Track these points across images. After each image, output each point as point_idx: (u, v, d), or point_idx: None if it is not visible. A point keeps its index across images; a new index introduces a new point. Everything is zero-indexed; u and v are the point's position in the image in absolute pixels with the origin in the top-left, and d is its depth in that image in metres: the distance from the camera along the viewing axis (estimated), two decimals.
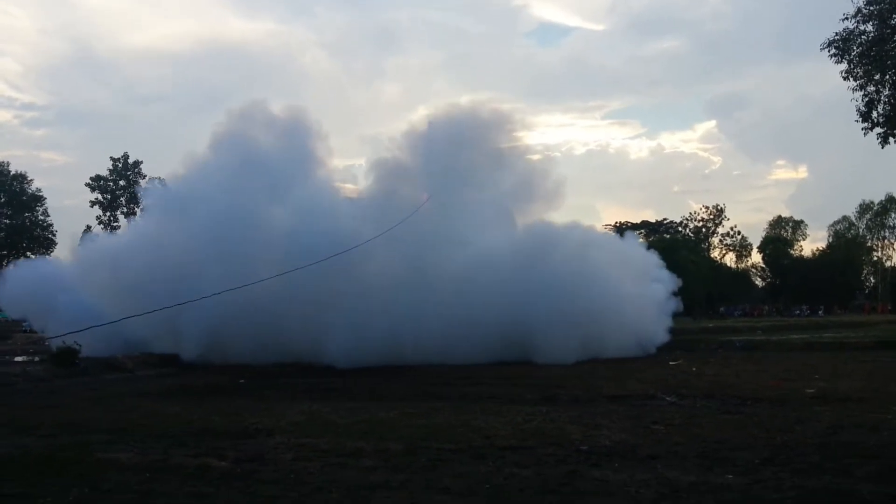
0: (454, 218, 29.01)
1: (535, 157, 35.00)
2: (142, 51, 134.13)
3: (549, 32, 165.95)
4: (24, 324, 41.85)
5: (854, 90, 25.93)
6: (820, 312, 76.98)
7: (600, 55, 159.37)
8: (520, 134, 33.93)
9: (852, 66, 25.72)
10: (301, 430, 12.76)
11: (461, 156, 30.59)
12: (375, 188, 30.93)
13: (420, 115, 35.86)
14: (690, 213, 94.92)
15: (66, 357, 24.94)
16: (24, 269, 38.85)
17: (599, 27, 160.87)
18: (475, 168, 31.02)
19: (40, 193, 77.58)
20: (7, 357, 30.06)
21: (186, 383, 21.99)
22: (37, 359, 27.92)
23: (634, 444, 11.15)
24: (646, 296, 32.28)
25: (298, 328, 26.08)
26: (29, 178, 77.54)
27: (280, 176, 29.46)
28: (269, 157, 30.24)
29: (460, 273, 27.75)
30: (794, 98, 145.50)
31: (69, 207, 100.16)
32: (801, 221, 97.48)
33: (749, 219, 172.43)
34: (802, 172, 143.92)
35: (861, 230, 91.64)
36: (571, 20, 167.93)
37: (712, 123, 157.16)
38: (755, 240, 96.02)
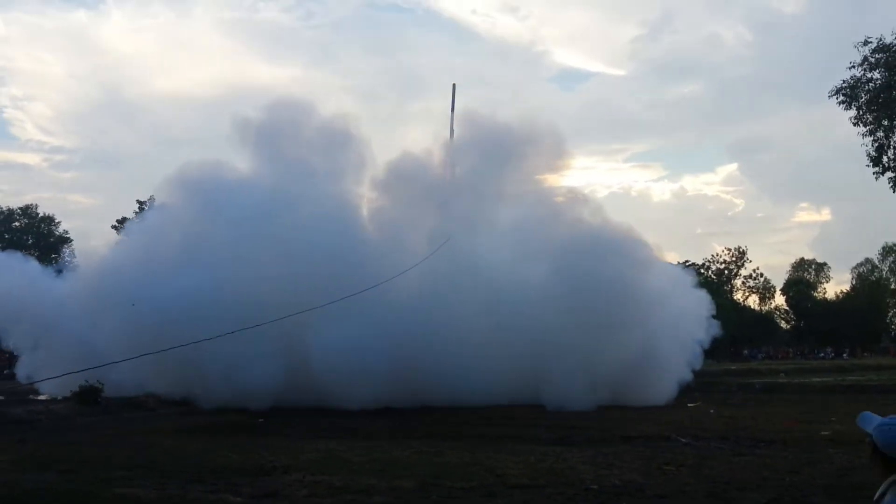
0: (478, 245, 27.98)
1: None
2: (170, 95, 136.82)
3: (571, 77, 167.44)
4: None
5: (864, 135, 26.17)
6: (844, 355, 76.08)
7: (622, 99, 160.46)
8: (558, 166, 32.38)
9: (861, 113, 25.98)
10: (316, 468, 12.97)
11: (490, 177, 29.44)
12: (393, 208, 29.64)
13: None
14: (712, 255, 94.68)
15: (89, 395, 25.36)
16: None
17: (620, 72, 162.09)
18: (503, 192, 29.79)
19: (67, 235, 79.01)
20: (30, 395, 30.52)
21: (206, 422, 22.26)
22: (59, 397, 28.32)
23: (644, 483, 11.26)
24: (685, 341, 30.39)
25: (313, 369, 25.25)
26: (56, 221, 79.07)
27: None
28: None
29: (483, 308, 26.54)
30: (815, 140, 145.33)
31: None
32: (825, 264, 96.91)
33: (773, 261, 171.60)
34: (826, 215, 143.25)
35: (884, 273, 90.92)
36: (593, 66, 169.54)
37: (734, 166, 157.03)
38: (778, 282, 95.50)
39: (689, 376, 30.99)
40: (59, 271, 36.98)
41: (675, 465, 12.97)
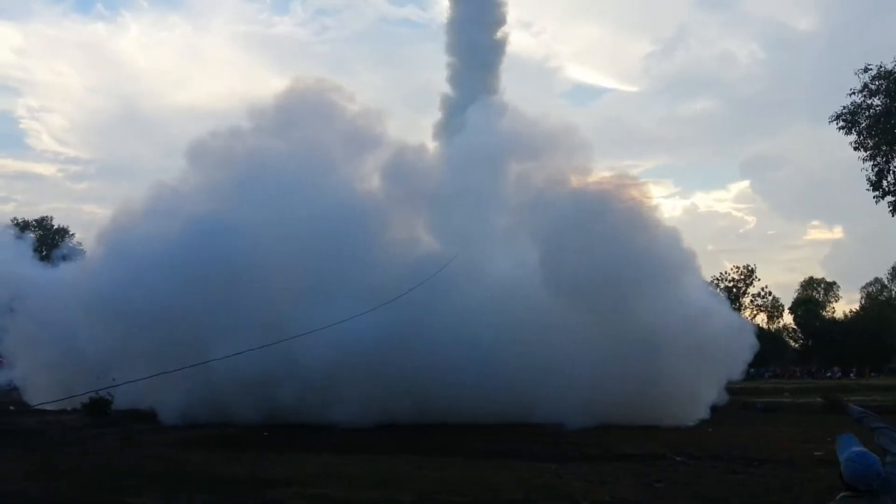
0: (474, 247, 26.80)
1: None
2: (185, 108, 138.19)
3: (584, 93, 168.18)
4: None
5: (864, 160, 26.55)
6: (851, 375, 75.88)
7: (634, 116, 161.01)
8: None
9: (862, 138, 26.37)
10: (317, 481, 13.34)
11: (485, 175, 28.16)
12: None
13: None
14: (721, 273, 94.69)
15: (98, 407, 25.94)
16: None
17: (633, 88, 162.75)
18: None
19: (81, 247, 79.59)
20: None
21: (212, 435, 22.62)
22: (69, 408, 28.74)
23: (635, 500, 11.60)
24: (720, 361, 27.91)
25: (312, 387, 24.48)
26: (71, 233, 79.87)
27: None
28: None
29: (482, 318, 25.37)
30: (828, 159, 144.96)
31: None
32: (834, 283, 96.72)
33: (785, 279, 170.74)
34: (838, 233, 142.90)
35: (894, 293, 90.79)
36: (605, 82, 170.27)
37: (746, 183, 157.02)
38: (788, 300, 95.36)
39: (723, 398, 29.61)
40: (64, 257, 36.66)
41: (666, 482, 13.28)
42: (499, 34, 42.35)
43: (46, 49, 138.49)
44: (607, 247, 25.00)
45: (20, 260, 34.17)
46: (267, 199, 26.88)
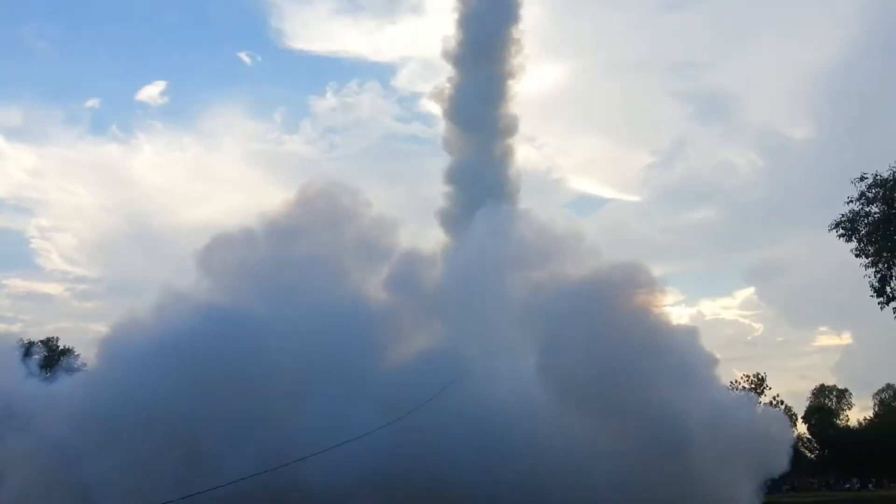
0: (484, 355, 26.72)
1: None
2: (195, 225, 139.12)
3: (587, 204, 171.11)
4: None
5: (866, 266, 26.79)
6: (870, 486, 73.80)
7: (637, 225, 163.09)
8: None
9: (862, 245, 26.73)
10: None
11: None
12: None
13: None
14: (731, 382, 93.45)
15: None
16: None
17: (635, 198, 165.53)
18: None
19: (86, 368, 78.90)
20: None
21: None
22: None
23: None
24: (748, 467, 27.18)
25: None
26: (76, 353, 79.45)
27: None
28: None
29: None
30: (832, 264, 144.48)
31: None
32: (845, 390, 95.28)
33: (795, 387, 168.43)
34: (847, 339, 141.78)
35: None
36: (607, 192, 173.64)
37: (751, 290, 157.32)
38: (800, 409, 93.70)
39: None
40: (69, 370, 38.08)
41: None
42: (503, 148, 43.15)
43: (61, 170, 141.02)
44: (619, 346, 24.87)
45: (17, 375, 33.99)
46: (276, 303, 27.15)
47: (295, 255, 29.23)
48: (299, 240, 29.80)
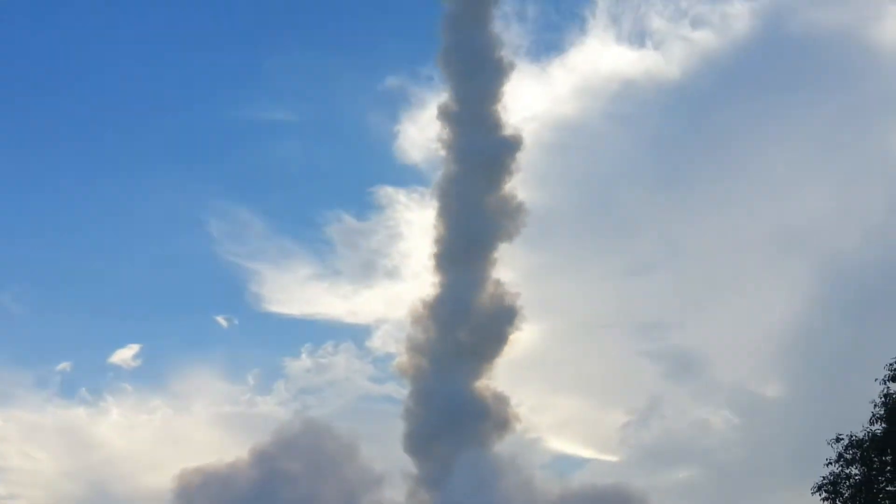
0: None
1: None
2: (156, 489, 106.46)
3: (565, 463, 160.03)
4: None
5: None
6: None
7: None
8: None
9: None
10: None
11: None
12: None
13: None
14: None
15: None
16: None
17: (613, 458, 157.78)
18: None
19: None
20: None
21: None
22: None
23: None
24: None
25: None
26: None
27: None
28: None
29: None
30: None
31: None
32: None
33: None
34: None
35: None
36: (585, 452, 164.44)
37: None
38: None
39: None
40: None
41: None
42: None
43: (24, 435, 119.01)
44: None
45: None
46: None
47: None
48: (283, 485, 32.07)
